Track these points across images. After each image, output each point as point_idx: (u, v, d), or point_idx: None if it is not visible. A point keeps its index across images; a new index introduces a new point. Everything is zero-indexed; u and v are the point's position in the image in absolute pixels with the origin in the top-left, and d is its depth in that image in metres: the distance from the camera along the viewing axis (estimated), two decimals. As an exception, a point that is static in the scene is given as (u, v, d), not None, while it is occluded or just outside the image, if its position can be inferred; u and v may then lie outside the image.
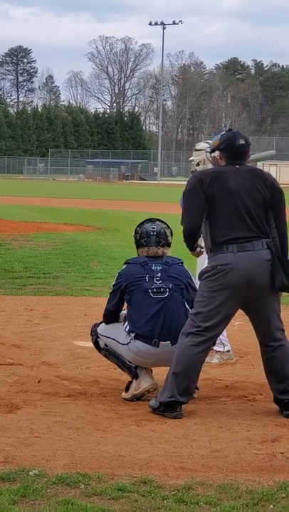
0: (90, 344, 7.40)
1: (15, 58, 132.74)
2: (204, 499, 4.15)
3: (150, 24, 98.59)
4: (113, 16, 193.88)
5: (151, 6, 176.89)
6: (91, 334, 6.36)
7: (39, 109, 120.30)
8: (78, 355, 7.32)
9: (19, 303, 10.05)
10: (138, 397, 5.95)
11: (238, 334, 8.36)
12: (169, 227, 6.38)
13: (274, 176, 5.87)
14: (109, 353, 6.22)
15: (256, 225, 5.57)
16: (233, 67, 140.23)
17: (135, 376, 6.00)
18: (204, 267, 5.82)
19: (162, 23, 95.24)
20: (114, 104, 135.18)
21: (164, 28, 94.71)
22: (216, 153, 5.81)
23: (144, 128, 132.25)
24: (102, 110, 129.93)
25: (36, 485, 4.25)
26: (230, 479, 4.44)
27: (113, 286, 6.15)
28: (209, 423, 5.44)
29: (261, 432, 5.27)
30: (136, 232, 6.29)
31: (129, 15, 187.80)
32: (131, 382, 6.03)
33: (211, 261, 5.61)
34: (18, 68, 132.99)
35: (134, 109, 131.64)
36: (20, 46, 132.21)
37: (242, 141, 5.73)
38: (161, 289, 5.95)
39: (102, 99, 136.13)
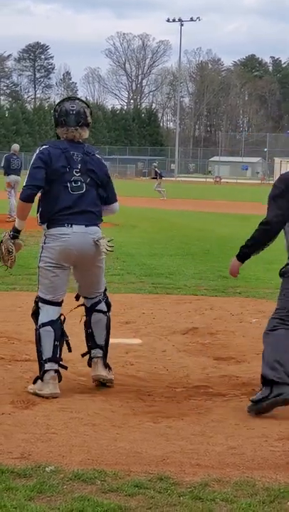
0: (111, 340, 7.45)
1: (32, 54, 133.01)
2: (221, 496, 4.14)
3: (168, 21, 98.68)
4: (133, 12, 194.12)
5: (173, 3, 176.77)
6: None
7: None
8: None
9: (36, 299, 10.05)
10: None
11: (254, 331, 8.34)
12: (89, 106, 6.28)
13: None
14: (37, 337, 6.08)
15: None
16: (250, 64, 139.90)
17: (41, 378, 5.96)
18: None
19: (180, 20, 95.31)
20: (132, 101, 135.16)
21: (181, 25, 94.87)
22: None
23: (161, 125, 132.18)
24: (119, 107, 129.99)
25: (52, 481, 4.25)
26: (246, 476, 4.43)
27: (33, 165, 6.08)
28: (226, 420, 5.43)
29: (278, 429, 5.25)
30: (55, 110, 6.25)
31: (149, 12, 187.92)
32: (38, 378, 5.98)
33: None
34: (36, 64, 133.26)
35: (152, 105, 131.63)
36: (37, 42, 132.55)
37: None
38: (79, 183, 5.99)
39: (120, 95, 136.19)
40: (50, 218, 5.99)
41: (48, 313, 6.05)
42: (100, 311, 6.28)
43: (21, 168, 23.42)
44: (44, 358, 5.97)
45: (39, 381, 5.96)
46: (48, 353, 5.98)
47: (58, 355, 6.03)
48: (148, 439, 4.99)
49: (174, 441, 4.96)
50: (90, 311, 6.30)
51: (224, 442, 4.97)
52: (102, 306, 6.31)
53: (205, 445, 4.91)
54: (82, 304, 6.36)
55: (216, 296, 10.61)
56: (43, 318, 6.05)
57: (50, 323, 6.03)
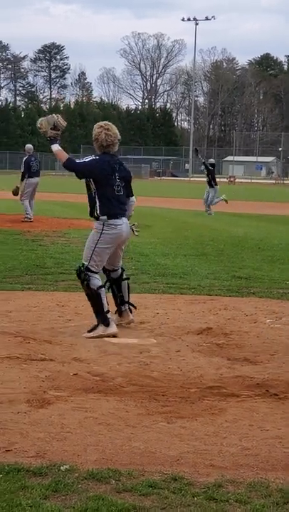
0: (122, 340, 7.47)
1: (48, 55, 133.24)
2: (234, 497, 4.16)
3: (183, 20, 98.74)
4: (153, 12, 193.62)
5: (192, 2, 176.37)
6: (80, 277, 8.11)
7: (71, 106, 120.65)
8: (109, 351, 7.35)
9: (51, 299, 10.10)
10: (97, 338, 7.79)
11: (268, 332, 8.34)
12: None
13: None
14: (96, 296, 8.01)
15: None
16: (265, 62, 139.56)
17: (106, 324, 7.89)
18: None
19: (195, 19, 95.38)
20: (146, 101, 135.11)
21: (196, 24, 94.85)
22: None
23: (175, 124, 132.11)
24: (133, 106, 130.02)
25: (67, 480, 4.28)
26: (260, 477, 4.44)
27: (87, 160, 8.03)
28: (240, 421, 5.44)
29: (292, 431, 5.25)
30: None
31: (169, 12, 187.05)
32: (97, 326, 7.92)
33: None
34: (51, 65, 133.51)
35: (166, 105, 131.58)
36: (53, 43, 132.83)
37: None
38: (119, 187, 8.08)
39: (134, 95, 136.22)
40: (110, 212, 7.99)
41: (100, 279, 8.12)
42: (125, 279, 8.57)
43: (40, 168, 22.69)
44: (105, 310, 7.98)
45: (101, 327, 7.88)
46: (106, 305, 8.01)
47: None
48: (162, 439, 5.02)
49: (188, 442, 4.98)
50: (117, 281, 8.49)
51: (238, 443, 4.98)
52: (124, 275, 8.55)
53: (219, 446, 4.93)
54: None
55: (229, 297, 10.61)
56: (98, 282, 8.06)
57: (104, 285, 8.21)
